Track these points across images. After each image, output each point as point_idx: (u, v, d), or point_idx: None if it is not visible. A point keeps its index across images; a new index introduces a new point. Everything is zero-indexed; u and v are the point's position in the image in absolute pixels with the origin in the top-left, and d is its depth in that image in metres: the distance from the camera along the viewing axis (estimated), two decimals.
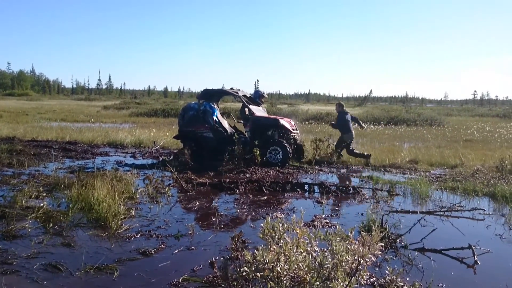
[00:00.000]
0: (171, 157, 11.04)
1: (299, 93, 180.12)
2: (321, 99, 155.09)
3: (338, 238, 2.81)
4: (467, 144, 16.98)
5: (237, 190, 7.97)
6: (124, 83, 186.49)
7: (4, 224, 5.39)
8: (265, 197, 7.61)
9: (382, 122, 28.65)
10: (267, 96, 13.48)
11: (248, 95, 12.27)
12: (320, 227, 5.76)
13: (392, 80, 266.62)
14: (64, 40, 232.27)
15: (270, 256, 2.73)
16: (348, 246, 2.72)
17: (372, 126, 25.70)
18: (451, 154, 12.81)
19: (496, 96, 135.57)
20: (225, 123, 11.79)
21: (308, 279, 2.79)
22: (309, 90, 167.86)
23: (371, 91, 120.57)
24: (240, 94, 11.68)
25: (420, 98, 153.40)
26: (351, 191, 8.01)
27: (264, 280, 2.83)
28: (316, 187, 8.29)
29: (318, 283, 2.75)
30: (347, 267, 2.74)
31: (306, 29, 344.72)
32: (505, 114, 46.10)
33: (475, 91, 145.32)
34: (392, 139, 18.35)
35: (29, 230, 5.24)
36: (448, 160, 11.99)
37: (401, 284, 3.80)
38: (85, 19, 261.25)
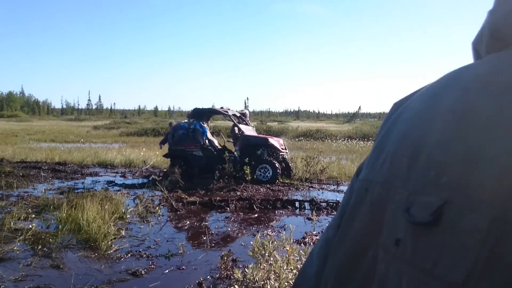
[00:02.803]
0: (161, 176, 11.02)
1: (289, 110, 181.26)
2: (311, 116, 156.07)
3: None
4: None
5: (228, 208, 7.97)
6: (114, 103, 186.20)
7: None
8: (256, 215, 7.61)
9: (371, 138, 28.85)
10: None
11: (238, 114, 12.34)
12: (311, 244, 5.76)
13: (381, 95, 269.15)
14: (53, 61, 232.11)
15: (260, 274, 2.75)
16: None
17: (361, 142, 25.87)
18: None
19: None
20: (215, 142, 11.83)
21: None
22: (299, 107, 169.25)
23: (359, 107, 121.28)
24: (230, 113, 11.74)
25: None
26: None
27: None
28: (306, 204, 8.31)
29: None
30: None
31: (294, 47, 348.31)
32: None
33: None
34: None
35: (18, 252, 5.18)
36: None
37: None
38: (74, 40, 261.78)
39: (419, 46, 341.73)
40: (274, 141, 11.45)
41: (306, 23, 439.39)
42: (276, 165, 10.76)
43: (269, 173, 10.75)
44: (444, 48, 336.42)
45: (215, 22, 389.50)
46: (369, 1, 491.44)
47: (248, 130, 11.77)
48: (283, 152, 11.48)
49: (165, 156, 11.85)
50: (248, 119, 12.68)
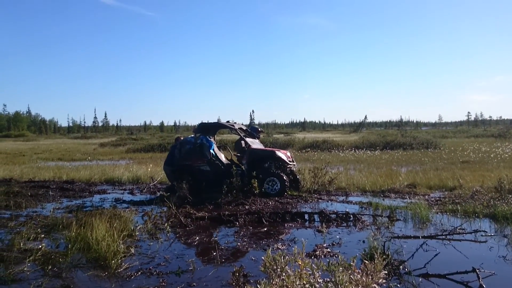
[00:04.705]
0: (169, 192, 10.99)
1: (294, 121, 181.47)
2: (317, 127, 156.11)
3: (340, 269, 2.79)
4: (464, 165, 17.01)
5: (237, 223, 7.92)
6: (120, 120, 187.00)
7: (2, 268, 5.31)
8: (265, 229, 7.56)
9: (378, 147, 28.73)
10: (263, 130, 13.56)
11: (244, 128, 12.34)
12: (322, 257, 5.70)
13: (387, 104, 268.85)
14: (59, 80, 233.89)
15: None
16: (352, 276, 2.70)
17: (368, 152, 25.78)
18: (449, 177, 12.82)
19: (490, 117, 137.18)
20: (222, 156, 11.81)
21: None
22: (305, 118, 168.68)
23: (365, 116, 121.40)
24: (236, 127, 11.75)
25: (414, 121, 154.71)
26: (351, 219, 7.97)
27: None
28: (316, 216, 8.25)
29: None
30: None
31: (298, 59, 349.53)
32: (500, 134, 46.29)
33: (468, 112, 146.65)
34: (389, 164, 18.38)
35: (28, 273, 5.16)
36: (446, 182, 12.00)
37: None
38: (79, 58, 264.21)
39: (423, 55, 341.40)
40: (281, 153, 11.42)
41: (309, 35, 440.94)
42: (284, 177, 10.72)
43: (277, 186, 10.70)
44: (448, 56, 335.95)
45: (219, 36, 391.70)
46: (371, 11, 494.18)
47: (255, 143, 11.76)
48: (290, 164, 11.44)
49: (173, 171, 11.71)
50: (259, 135, 12.78)
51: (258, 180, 10.46)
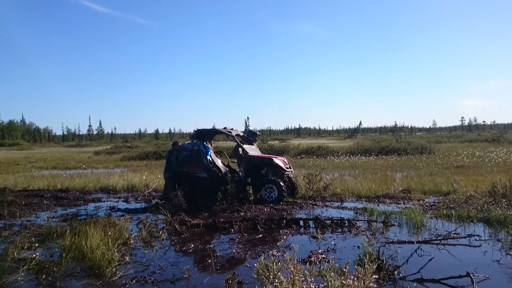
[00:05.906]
0: (164, 200, 10.96)
1: (289, 128, 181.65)
2: (312, 133, 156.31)
3: (332, 274, 2.80)
4: (458, 170, 17.10)
5: (232, 230, 7.92)
6: (115, 128, 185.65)
7: None
8: (261, 235, 7.55)
9: (373, 153, 28.81)
10: (260, 134, 13.60)
11: (241, 134, 12.34)
12: (317, 263, 5.70)
13: (381, 110, 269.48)
14: (53, 88, 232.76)
15: None
16: (343, 281, 2.71)
17: (363, 157, 25.84)
18: (443, 181, 12.88)
19: (484, 121, 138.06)
20: (218, 162, 11.79)
21: None
22: (300, 125, 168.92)
23: (360, 122, 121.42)
24: (233, 133, 11.74)
25: (409, 126, 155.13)
26: (346, 224, 7.98)
27: None
28: (311, 222, 8.26)
29: None
30: None
31: (293, 65, 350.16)
32: (494, 138, 46.65)
33: (462, 117, 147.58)
34: (384, 169, 18.43)
35: (22, 283, 5.13)
36: (441, 187, 12.05)
37: None
38: (73, 66, 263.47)
39: (417, 61, 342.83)
40: (279, 160, 11.40)
41: (304, 42, 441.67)
42: (282, 185, 10.68)
43: (274, 194, 10.66)
44: (441, 62, 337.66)
45: (214, 43, 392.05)
46: (365, 19, 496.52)
47: (252, 149, 11.74)
48: (288, 171, 11.43)
49: (169, 178, 11.59)
50: (256, 138, 12.79)
51: (256, 187, 10.45)
